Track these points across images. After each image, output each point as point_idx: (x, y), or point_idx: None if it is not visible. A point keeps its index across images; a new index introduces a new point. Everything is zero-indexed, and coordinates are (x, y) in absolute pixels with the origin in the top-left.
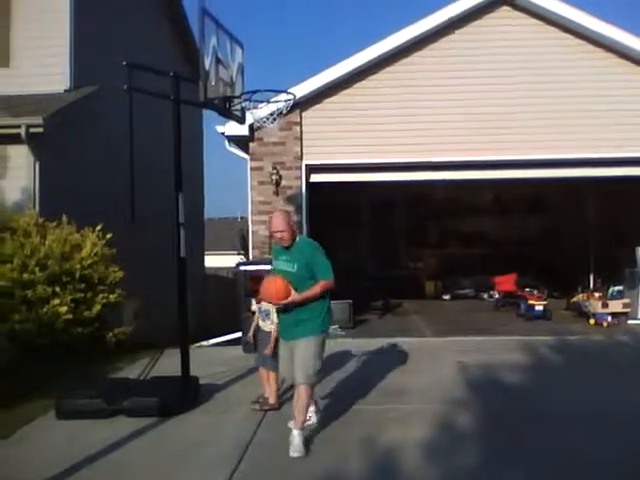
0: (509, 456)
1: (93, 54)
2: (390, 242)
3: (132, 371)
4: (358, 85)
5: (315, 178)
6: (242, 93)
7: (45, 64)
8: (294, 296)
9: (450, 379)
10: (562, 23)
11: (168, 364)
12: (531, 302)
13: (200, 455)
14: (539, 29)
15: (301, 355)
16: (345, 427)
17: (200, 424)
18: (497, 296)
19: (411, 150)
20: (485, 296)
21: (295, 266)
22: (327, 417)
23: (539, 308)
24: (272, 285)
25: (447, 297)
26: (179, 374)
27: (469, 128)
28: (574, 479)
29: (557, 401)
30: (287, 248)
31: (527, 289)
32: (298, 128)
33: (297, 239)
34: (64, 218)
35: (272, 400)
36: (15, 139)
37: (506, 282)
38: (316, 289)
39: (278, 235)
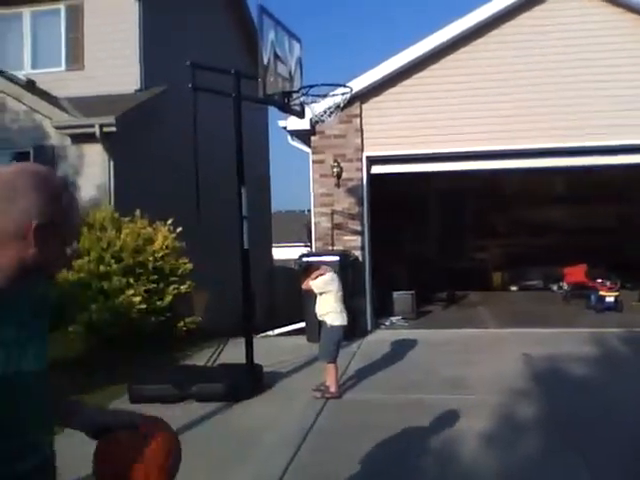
0: (568, 449)
1: (162, 54)
2: (456, 233)
3: (201, 359)
4: (418, 75)
5: (376, 169)
6: (300, 88)
7: (117, 65)
8: None
9: (514, 371)
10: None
11: (235, 352)
12: (602, 293)
13: (262, 440)
14: (605, 10)
15: None
16: (405, 415)
17: (263, 410)
18: (566, 287)
19: (473, 139)
20: (554, 287)
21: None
22: (389, 406)
23: (610, 299)
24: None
25: (514, 288)
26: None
27: (534, 114)
28: (634, 473)
29: (622, 396)
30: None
31: (598, 280)
32: (358, 120)
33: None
34: (137, 213)
35: (333, 389)
36: (90, 138)
37: (576, 273)
38: None
39: None
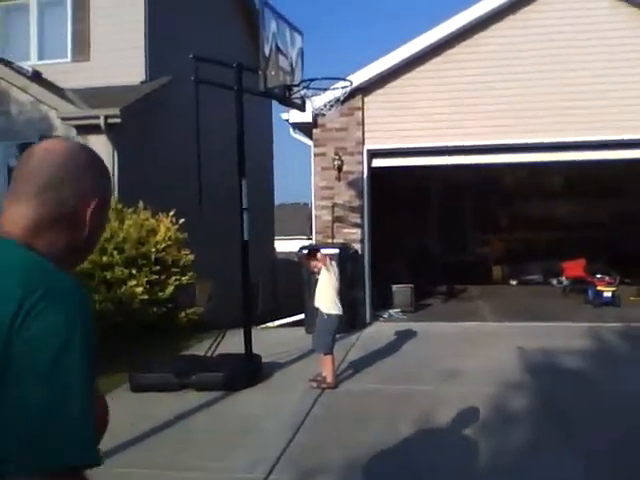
0: (557, 439)
1: (168, 46)
2: (456, 226)
3: (201, 349)
4: (420, 69)
5: (377, 163)
6: (301, 81)
7: (122, 57)
8: None
9: (508, 364)
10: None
11: (235, 343)
12: (599, 288)
13: (259, 427)
14: (612, 4)
15: None
16: (400, 406)
17: (261, 399)
18: (565, 282)
19: (474, 133)
20: (554, 282)
21: None
22: (384, 397)
23: (607, 294)
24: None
25: (514, 282)
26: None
27: (535, 109)
28: (619, 465)
29: (612, 389)
30: None
31: (598, 275)
32: (360, 113)
33: None
34: (140, 204)
35: (329, 379)
36: (95, 129)
37: (575, 268)
38: None
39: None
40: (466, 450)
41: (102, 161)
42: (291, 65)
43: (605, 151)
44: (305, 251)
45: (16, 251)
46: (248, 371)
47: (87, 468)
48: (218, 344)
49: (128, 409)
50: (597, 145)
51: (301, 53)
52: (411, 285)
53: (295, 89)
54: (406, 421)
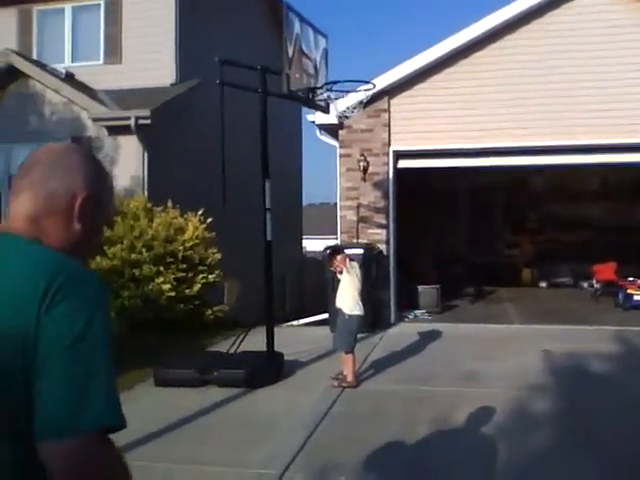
0: (577, 444)
1: (198, 48)
2: (485, 228)
3: (226, 346)
4: (447, 71)
5: (403, 164)
6: (324, 84)
7: (153, 59)
8: None
9: (532, 366)
10: None
11: (259, 341)
12: (630, 291)
13: (278, 424)
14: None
15: None
16: (420, 406)
17: (281, 397)
18: (597, 285)
19: (503, 135)
20: (585, 285)
21: None
22: (404, 397)
23: (638, 298)
24: None
25: (544, 285)
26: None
27: (566, 111)
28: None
29: (638, 392)
30: None
31: (630, 278)
32: (386, 115)
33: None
34: (169, 203)
35: (350, 378)
36: (125, 130)
37: (605, 270)
38: None
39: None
40: (484, 453)
41: (99, 162)
42: (315, 67)
43: (633, 154)
44: (328, 251)
45: (30, 246)
46: (269, 369)
47: (115, 430)
48: (242, 341)
49: (151, 404)
50: (629, 148)
51: (325, 55)
52: (437, 286)
53: (319, 91)
54: (425, 422)
